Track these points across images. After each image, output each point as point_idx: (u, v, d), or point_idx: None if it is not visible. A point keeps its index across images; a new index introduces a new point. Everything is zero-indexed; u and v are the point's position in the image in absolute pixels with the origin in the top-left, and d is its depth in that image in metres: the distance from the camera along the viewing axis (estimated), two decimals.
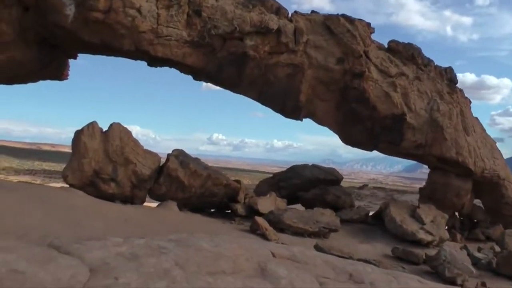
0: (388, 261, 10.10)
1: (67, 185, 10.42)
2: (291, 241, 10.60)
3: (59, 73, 12.00)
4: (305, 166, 15.71)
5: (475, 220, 16.27)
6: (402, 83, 13.09)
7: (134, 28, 9.89)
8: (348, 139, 13.59)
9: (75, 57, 11.94)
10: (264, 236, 10.28)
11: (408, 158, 15.09)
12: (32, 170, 46.99)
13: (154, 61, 10.87)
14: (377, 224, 14.17)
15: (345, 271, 6.79)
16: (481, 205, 17.01)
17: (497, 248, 13.46)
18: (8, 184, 11.03)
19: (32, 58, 11.06)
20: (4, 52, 10.70)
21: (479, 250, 13.13)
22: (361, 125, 13.16)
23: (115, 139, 10.10)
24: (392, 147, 13.56)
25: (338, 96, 12.68)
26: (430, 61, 14.38)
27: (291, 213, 11.68)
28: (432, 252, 12.25)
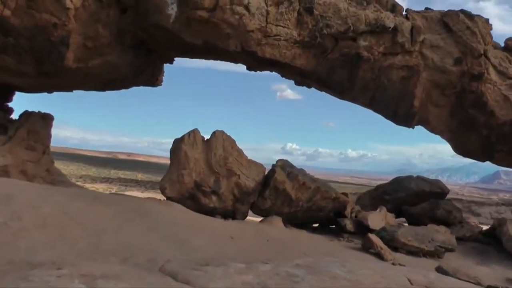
0: None
1: (164, 198, 9.85)
2: (408, 261, 9.57)
3: (153, 78, 11.49)
4: (410, 178, 14.58)
5: None
6: None
7: (242, 27, 9.13)
8: (460, 148, 12.35)
9: (171, 62, 11.37)
10: (379, 256, 9.29)
11: None
12: (109, 179, 47.50)
13: (260, 63, 10.08)
14: (490, 243, 12.85)
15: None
16: None
17: None
18: (103, 196, 10.53)
19: (128, 63, 10.55)
20: (100, 56, 10.20)
21: None
22: (476, 133, 11.90)
23: (218, 148, 9.39)
24: (509, 157, 12.18)
25: (453, 101, 11.48)
26: None
27: (405, 230, 10.60)
28: None
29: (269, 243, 8.42)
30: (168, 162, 9.96)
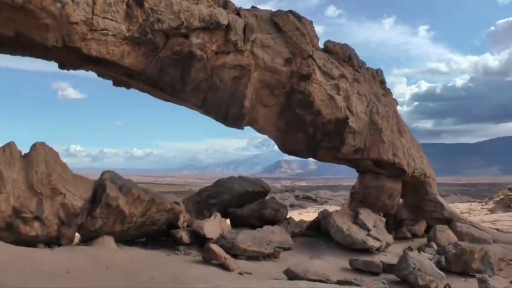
0: (368, 279, 9.35)
1: None
2: (251, 267, 9.45)
3: None
4: (232, 179, 14.39)
5: (399, 219, 16.46)
6: (344, 86, 12.50)
7: (64, 18, 7.68)
8: (287, 148, 12.64)
9: None
10: (223, 267, 8.91)
11: (343, 163, 14.61)
12: None
13: (83, 61, 8.72)
14: (317, 236, 13.52)
15: None
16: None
17: (432, 245, 13.62)
18: None
19: None
20: None
21: (419, 250, 13.05)
22: (303, 132, 12.28)
23: (40, 164, 7.83)
24: (331, 153, 12.92)
25: (282, 101, 11.63)
26: (363, 62, 14.03)
27: (244, 236, 10.38)
28: (376, 258, 11.99)
29: (110, 271, 7.32)
30: None
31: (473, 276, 11.27)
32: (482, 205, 33.13)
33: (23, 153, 7.97)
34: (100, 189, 8.77)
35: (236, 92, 10.57)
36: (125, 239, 9.44)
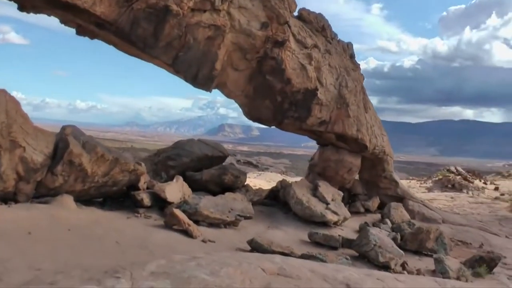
0: (330, 253, 9.45)
1: None
2: (213, 235, 9.37)
3: None
4: (192, 142, 14.05)
5: (353, 193, 16.77)
6: (316, 56, 12.34)
7: None
8: (253, 114, 12.44)
9: None
10: (187, 233, 8.78)
11: (306, 134, 14.59)
12: None
13: (50, 4, 8.05)
14: (275, 205, 13.56)
15: (339, 281, 6.40)
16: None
17: (386, 222, 13.98)
18: None
19: None
20: None
21: (374, 226, 13.37)
22: (270, 100, 12.11)
23: (1, 114, 7.24)
24: (297, 124, 12.85)
25: (254, 66, 11.35)
26: (335, 34, 13.88)
27: (207, 202, 10.22)
28: (333, 232, 12.21)
29: (73, 234, 6.97)
30: None
31: (427, 255, 11.71)
32: (421, 183, 34.51)
33: None
34: (62, 145, 8.26)
35: (208, 52, 10.19)
36: (83, 199, 9.03)
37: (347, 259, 9.07)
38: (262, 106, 12.07)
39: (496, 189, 63.00)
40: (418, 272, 9.92)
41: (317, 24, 13.00)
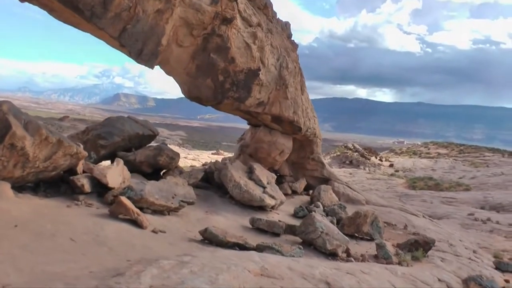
0: (286, 244, 9.43)
1: None
2: (160, 224, 9.02)
3: None
4: (123, 119, 13.23)
5: (279, 175, 16.94)
6: (260, 35, 12.08)
7: None
8: (192, 93, 11.97)
9: None
10: (135, 223, 8.32)
11: (241, 115, 14.37)
12: None
13: None
14: (209, 188, 13.31)
15: (318, 279, 6.65)
16: None
17: (319, 205, 14.30)
18: None
19: None
20: None
21: (308, 210, 13.59)
22: (212, 79, 11.73)
23: None
24: (235, 104, 12.62)
25: (199, 43, 10.86)
26: (275, 13, 13.66)
27: (151, 187, 9.73)
28: (270, 216, 12.32)
29: (23, 231, 6.27)
30: None
31: (362, 239, 12.16)
32: None
33: None
34: (0, 125, 7.31)
35: (156, 26, 9.56)
36: (17, 185, 8.14)
37: (300, 248, 9.11)
38: (203, 85, 11.66)
39: (391, 165, 67.27)
40: (363, 259, 10.26)
41: (259, 2, 12.72)
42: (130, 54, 9.59)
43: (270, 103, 13.22)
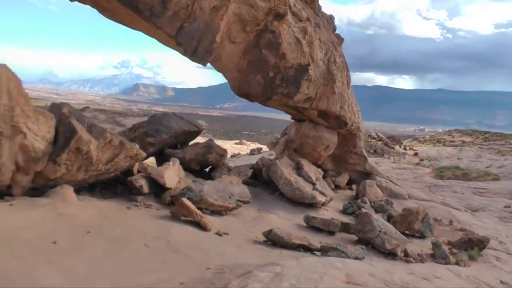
0: (343, 243, 9.17)
1: None
2: (220, 225, 8.82)
3: None
4: (168, 116, 12.98)
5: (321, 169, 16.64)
6: (309, 30, 11.73)
7: None
8: (242, 89, 11.67)
9: None
10: (199, 226, 8.12)
11: (288, 111, 14.08)
12: None
13: None
14: (257, 185, 13.07)
15: (399, 285, 6.46)
16: None
17: (365, 201, 13.96)
18: None
19: None
20: None
21: (358, 206, 13.24)
22: (262, 75, 11.42)
23: (3, 96, 6.03)
24: (284, 100, 12.31)
25: (251, 39, 10.57)
26: (320, 7, 13.27)
27: (209, 187, 9.54)
28: (320, 213, 12.07)
29: (96, 238, 6.08)
30: None
31: (414, 236, 11.83)
32: None
33: None
34: (63, 128, 7.14)
35: (211, 23, 9.29)
36: (77, 188, 8.00)
37: (362, 249, 8.84)
38: (253, 81, 11.36)
39: (416, 154, 66.29)
40: (421, 259, 9.95)
41: None
42: (185, 52, 9.35)
43: (317, 98, 12.89)
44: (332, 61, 12.75)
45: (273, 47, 10.93)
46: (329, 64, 12.68)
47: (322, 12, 13.53)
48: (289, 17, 10.96)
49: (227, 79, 11.59)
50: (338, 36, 13.99)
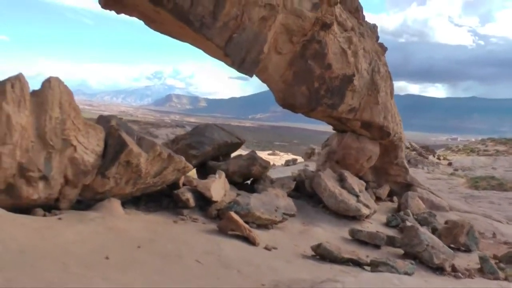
0: (399, 259, 8.77)
1: None
2: (267, 239, 8.53)
3: None
4: (211, 128, 12.77)
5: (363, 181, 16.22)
6: (354, 40, 11.43)
7: None
8: (287, 100, 11.42)
9: None
10: (247, 240, 7.86)
11: (331, 122, 13.74)
12: None
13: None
14: (300, 197, 12.75)
15: None
16: None
17: (408, 213, 13.47)
18: None
19: None
20: None
21: (402, 219, 12.77)
22: (307, 86, 11.15)
23: (55, 108, 5.92)
24: (328, 111, 12.00)
25: (297, 50, 10.32)
26: (364, 16, 12.94)
27: (255, 200, 9.29)
28: (364, 226, 11.70)
29: (147, 253, 5.88)
30: None
31: (459, 250, 11.33)
32: None
33: (32, 91, 5.94)
34: (113, 141, 7.00)
35: (259, 34, 9.08)
36: (122, 201, 7.84)
37: (412, 264, 8.44)
38: (298, 92, 11.10)
39: (450, 164, 64.85)
40: (470, 274, 9.49)
41: (351, 5, 12.04)
42: (232, 64, 9.16)
43: (361, 109, 12.53)
44: (376, 70, 12.40)
45: (318, 58, 10.66)
46: (373, 74, 12.33)
47: (366, 22, 13.19)
48: (335, 27, 10.68)
49: (272, 90, 11.34)
50: (381, 45, 13.62)
